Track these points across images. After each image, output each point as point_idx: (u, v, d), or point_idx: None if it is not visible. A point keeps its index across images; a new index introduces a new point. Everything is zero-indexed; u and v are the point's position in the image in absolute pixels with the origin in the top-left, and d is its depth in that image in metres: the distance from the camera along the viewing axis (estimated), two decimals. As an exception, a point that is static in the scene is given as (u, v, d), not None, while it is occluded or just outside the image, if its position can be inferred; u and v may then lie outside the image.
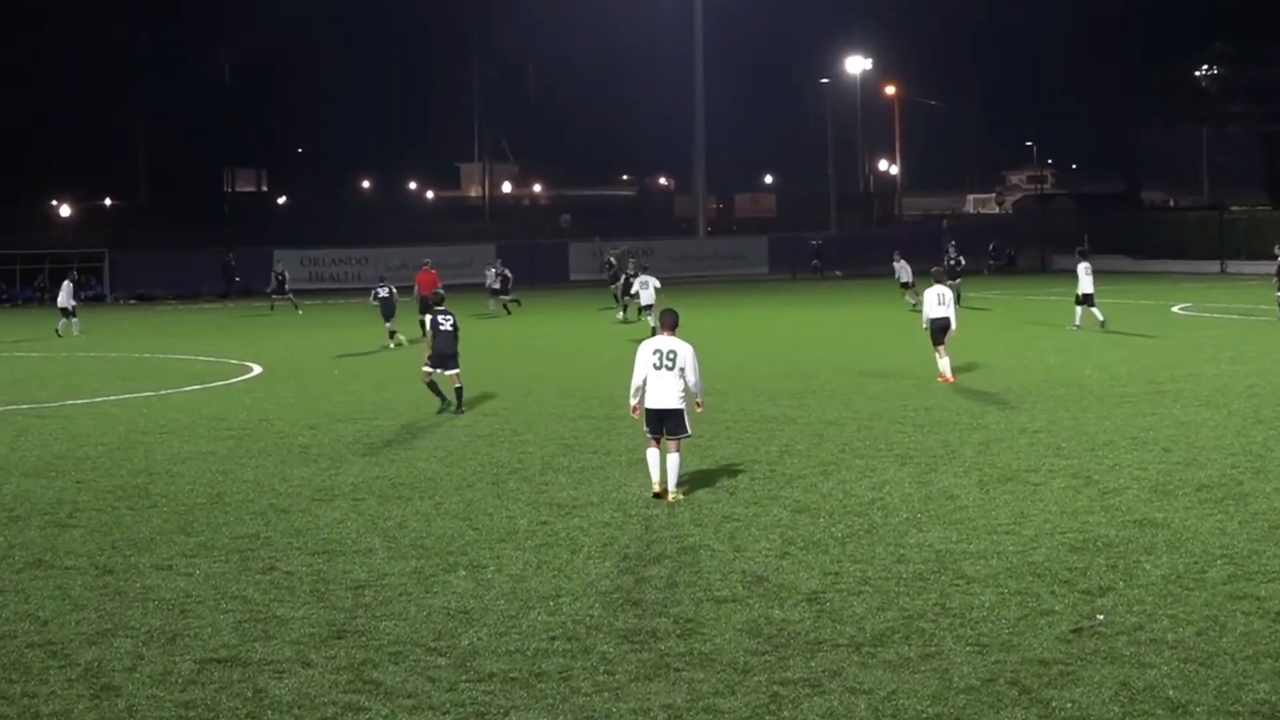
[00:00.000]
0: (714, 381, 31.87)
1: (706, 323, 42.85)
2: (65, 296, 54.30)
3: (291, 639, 12.63)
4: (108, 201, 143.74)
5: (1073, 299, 44.40)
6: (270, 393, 32.13)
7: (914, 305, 54.80)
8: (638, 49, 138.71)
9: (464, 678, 11.55)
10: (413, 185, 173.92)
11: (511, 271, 64.10)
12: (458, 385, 27.87)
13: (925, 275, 36.06)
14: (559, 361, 38.68)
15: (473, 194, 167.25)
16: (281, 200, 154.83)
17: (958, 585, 13.97)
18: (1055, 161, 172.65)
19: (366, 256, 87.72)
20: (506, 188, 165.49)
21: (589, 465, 21.17)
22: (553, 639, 12.49)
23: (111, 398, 31.84)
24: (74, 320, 53.51)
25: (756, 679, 11.40)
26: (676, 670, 11.63)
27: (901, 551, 15.35)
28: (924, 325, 31.46)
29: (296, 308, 65.87)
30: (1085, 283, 43.51)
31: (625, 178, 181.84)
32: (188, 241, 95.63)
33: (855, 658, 11.87)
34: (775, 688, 11.18)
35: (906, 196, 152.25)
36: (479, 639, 12.53)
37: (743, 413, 26.60)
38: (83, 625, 13.21)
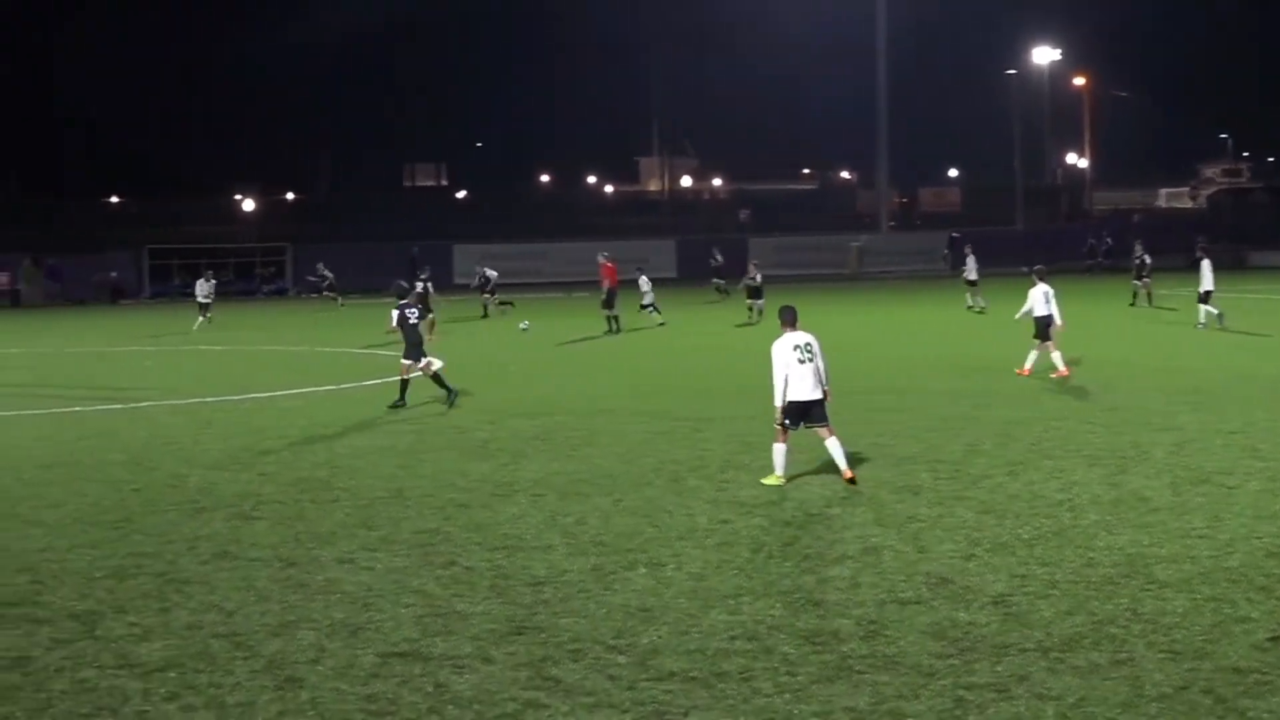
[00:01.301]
0: (893, 379, 31.60)
1: (885, 320, 42.47)
2: (202, 291, 54.84)
3: (472, 634, 12.62)
4: (289, 196, 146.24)
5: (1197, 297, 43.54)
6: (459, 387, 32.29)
7: (978, 308, 53.72)
8: (820, 40, 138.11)
9: (644, 676, 11.45)
10: (591, 180, 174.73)
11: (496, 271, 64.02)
12: (406, 378, 28.69)
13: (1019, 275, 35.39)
14: (736, 358, 38.49)
15: (652, 188, 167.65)
16: (461, 195, 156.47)
17: (1149, 590, 13.61)
18: (1251, 154, 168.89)
19: (545, 251, 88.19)
20: (686, 182, 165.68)
21: (770, 463, 20.93)
22: (733, 639, 12.35)
23: (293, 391, 32.26)
24: (206, 317, 53.96)
25: (941, 682, 11.17)
26: (859, 673, 11.43)
27: (1091, 554, 14.99)
28: (1019, 316, 32.13)
29: (339, 302, 66.99)
30: (1207, 280, 42.77)
31: (806, 171, 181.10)
32: (368, 236, 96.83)
33: (1043, 662, 11.58)
34: (960, 692, 10.95)
35: (1096, 191, 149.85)
36: (659, 637, 12.42)
37: (926, 412, 26.25)
38: (267, 617, 13.31)
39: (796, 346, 19.12)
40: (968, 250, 59.18)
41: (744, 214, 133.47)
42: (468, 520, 17.46)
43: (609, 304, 48.55)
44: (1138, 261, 55.55)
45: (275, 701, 11.03)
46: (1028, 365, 31.51)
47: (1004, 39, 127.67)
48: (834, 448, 19.12)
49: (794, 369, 19.01)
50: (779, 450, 19.18)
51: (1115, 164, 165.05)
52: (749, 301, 51.75)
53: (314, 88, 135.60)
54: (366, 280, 77.99)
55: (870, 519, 17.02)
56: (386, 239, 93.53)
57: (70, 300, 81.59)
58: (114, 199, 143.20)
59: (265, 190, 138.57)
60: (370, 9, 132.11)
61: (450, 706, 10.86)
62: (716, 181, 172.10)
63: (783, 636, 12.38)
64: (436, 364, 28.76)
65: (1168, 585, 13.74)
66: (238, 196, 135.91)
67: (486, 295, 61.43)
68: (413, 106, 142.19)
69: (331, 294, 68.95)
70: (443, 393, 28.42)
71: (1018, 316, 32.64)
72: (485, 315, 58.75)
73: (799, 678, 11.33)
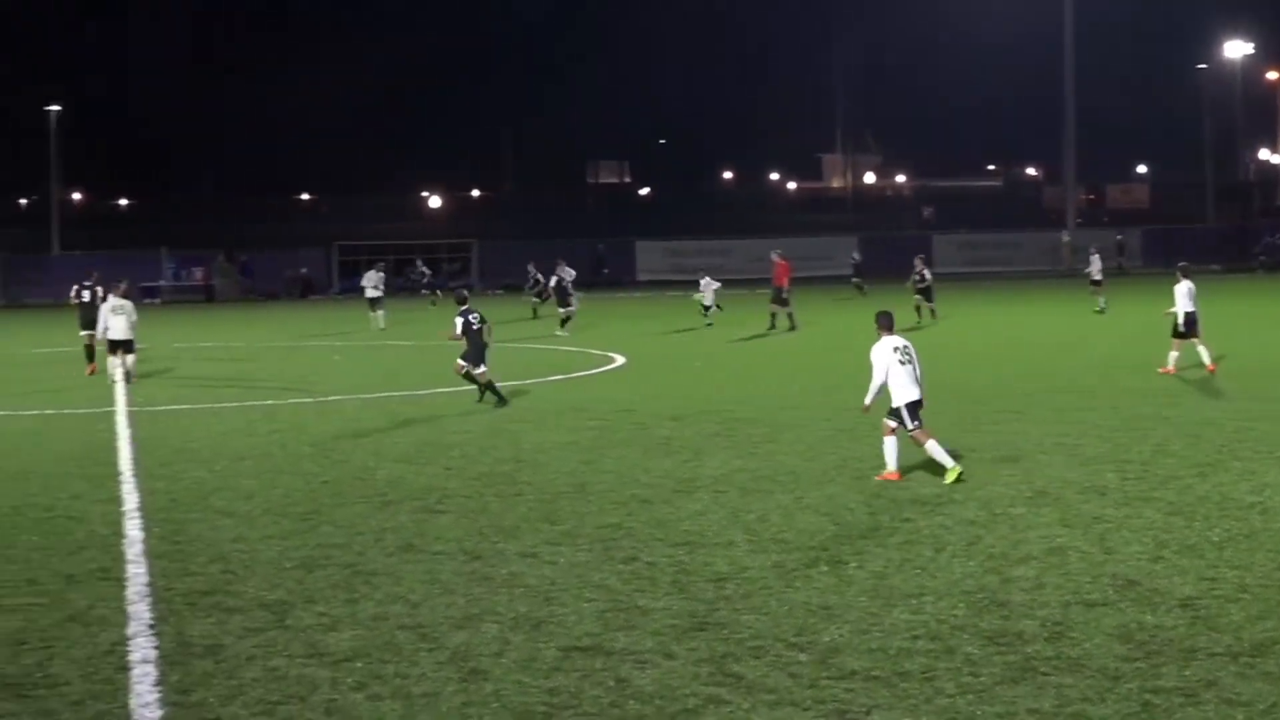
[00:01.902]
0: (1080, 377, 31.19)
1: (1074, 318, 41.92)
2: (372, 286, 54.70)
3: (653, 630, 12.67)
4: (475, 193, 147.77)
5: None
6: (633, 384, 32.50)
7: (1101, 309, 52.48)
8: (1006, 35, 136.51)
9: (825, 674, 11.42)
10: (774, 176, 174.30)
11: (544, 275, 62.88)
12: (487, 380, 28.95)
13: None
14: (928, 357, 38.17)
15: (834, 185, 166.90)
16: (643, 192, 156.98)
17: (1344, 595, 13.30)
18: None
19: (728, 247, 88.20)
20: (869, 178, 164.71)
21: (939, 467, 20.77)
22: (915, 638, 12.27)
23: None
24: (380, 314, 53.79)
25: (1127, 686, 11.00)
26: (1044, 674, 11.31)
27: (1283, 558, 14.68)
28: (1167, 314, 32.16)
29: (433, 302, 66.61)
30: None
31: (991, 168, 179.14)
32: (552, 232, 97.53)
33: (1232, 668, 11.36)
34: (1147, 696, 10.78)
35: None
36: (840, 636, 12.38)
37: (1113, 410, 25.86)
38: (451, 609, 13.47)
39: (896, 349, 19.69)
40: (1093, 250, 58.06)
41: (927, 211, 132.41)
42: (650, 516, 17.53)
43: (779, 300, 48.40)
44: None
45: (459, 693, 11.16)
46: (1208, 362, 31.09)
47: (1194, 33, 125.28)
48: (937, 447, 19.46)
49: (895, 369, 19.56)
50: (889, 444, 19.60)
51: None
52: (917, 300, 50.71)
53: (498, 86, 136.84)
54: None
55: (1056, 519, 16.81)
56: (569, 236, 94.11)
57: (262, 295, 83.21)
58: (305, 197, 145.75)
59: (451, 188, 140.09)
60: (557, 9, 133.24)
61: (631, 701, 10.91)
62: (900, 178, 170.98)
63: (966, 636, 12.28)
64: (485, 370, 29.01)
65: (1363, 591, 13.43)
66: (424, 194, 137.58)
67: (535, 299, 60.64)
68: (596, 104, 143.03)
69: (429, 293, 68.22)
70: (494, 398, 28.71)
71: (1167, 312, 32.39)
72: (535, 316, 58.05)
73: (982, 678, 11.24)
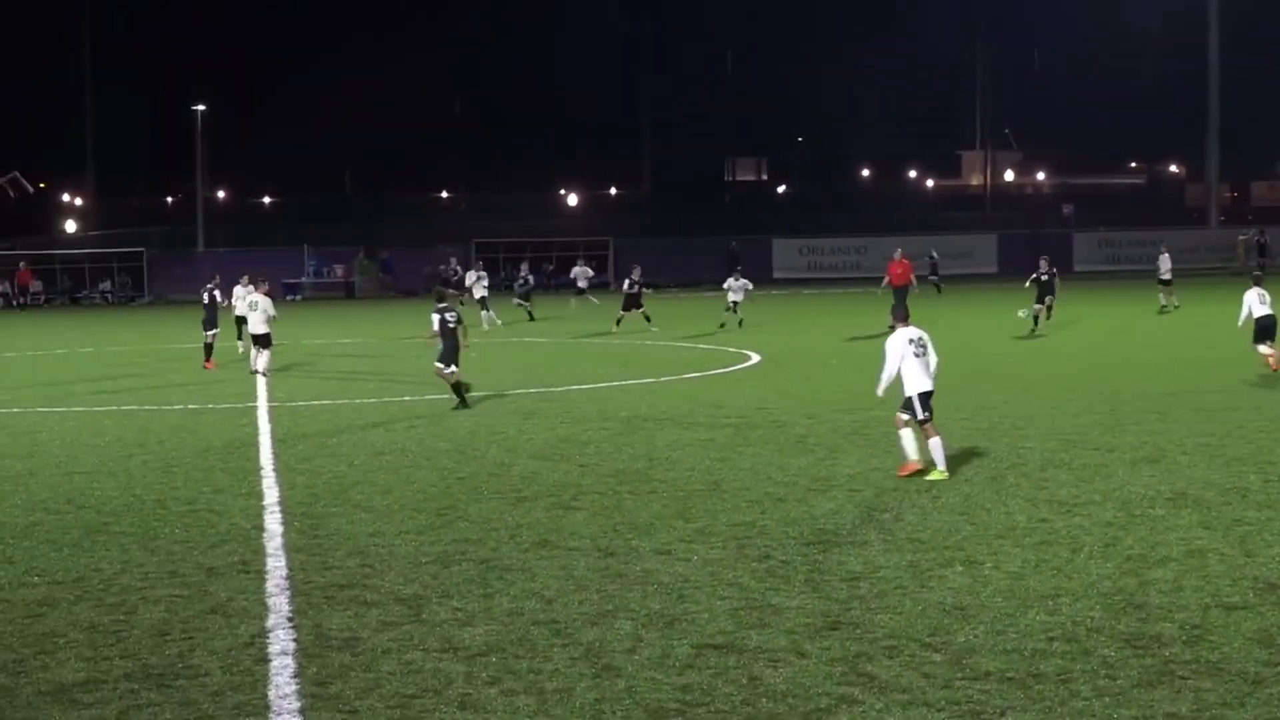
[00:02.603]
0: (1225, 380, 30.69)
1: (1220, 317, 41.17)
2: (479, 287, 54.03)
3: (786, 628, 12.66)
4: (613, 190, 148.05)
5: None
6: (768, 381, 32.46)
7: (1171, 307, 51.33)
8: (1149, 27, 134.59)
9: (959, 675, 11.36)
10: (912, 173, 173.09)
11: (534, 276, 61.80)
12: (455, 381, 28.51)
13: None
14: (1060, 356, 37.83)
15: (974, 182, 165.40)
16: (781, 189, 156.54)
17: None
18: None
19: (865, 245, 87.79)
20: (1009, 175, 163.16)
21: (1091, 462, 20.59)
22: (1051, 640, 12.17)
23: (613, 384, 32.71)
24: (489, 313, 52.67)
25: (1268, 690, 10.85)
26: (1181, 678, 11.17)
27: None
28: (1240, 324, 31.74)
29: (530, 316, 61.93)
30: None
31: (1133, 165, 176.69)
32: (688, 230, 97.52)
33: (1378, 674, 11.17)
34: (1288, 702, 10.63)
35: None
36: (975, 636, 12.31)
37: (1257, 411, 25.46)
38: (585, 605, 13.54)
39: (911, 340, 20.03)
40: (1163, 249, 56.88)
41: (1067, 208, 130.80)
42: (783, 514, 17.51)
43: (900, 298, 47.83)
44: None
45: (592, 689, 11.22)
46: (1273, 362, 30.69)
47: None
48: (938, 444, 19.75)
49: (909, 360, 19.88)
50: (907, 436, 19.92)
51: None
52: (1035, 306, 47.46)
53: (636, 82, 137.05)
54: (685, 275, 78.68)
55: (1195, 521, 16.59)
56: (707, 233, 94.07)
57: (401, 291, 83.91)
58: (444, 194, 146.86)
59: (589, 185, 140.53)
60: (695, 6, 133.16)
61: (764, 699, 10.92)
62: (1040, 175, 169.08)
63: (1102, 639, 12.16)
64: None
65: None
66: (562, 191, 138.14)
67: (523, 300, 58.75)
68: (734, 101, 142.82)
69: (523, 303, 60.24)
70: (458, 400, 28.44)
71: (1240, 324, 31.94)
72: (531, 319, 56.07)
73: (1118, 681, 11.12)
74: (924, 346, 20.10)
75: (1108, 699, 10.75)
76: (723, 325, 49.26)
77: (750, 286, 51.78)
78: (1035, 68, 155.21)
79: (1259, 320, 31.23)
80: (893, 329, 20.49)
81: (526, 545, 16.11)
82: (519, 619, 13.14)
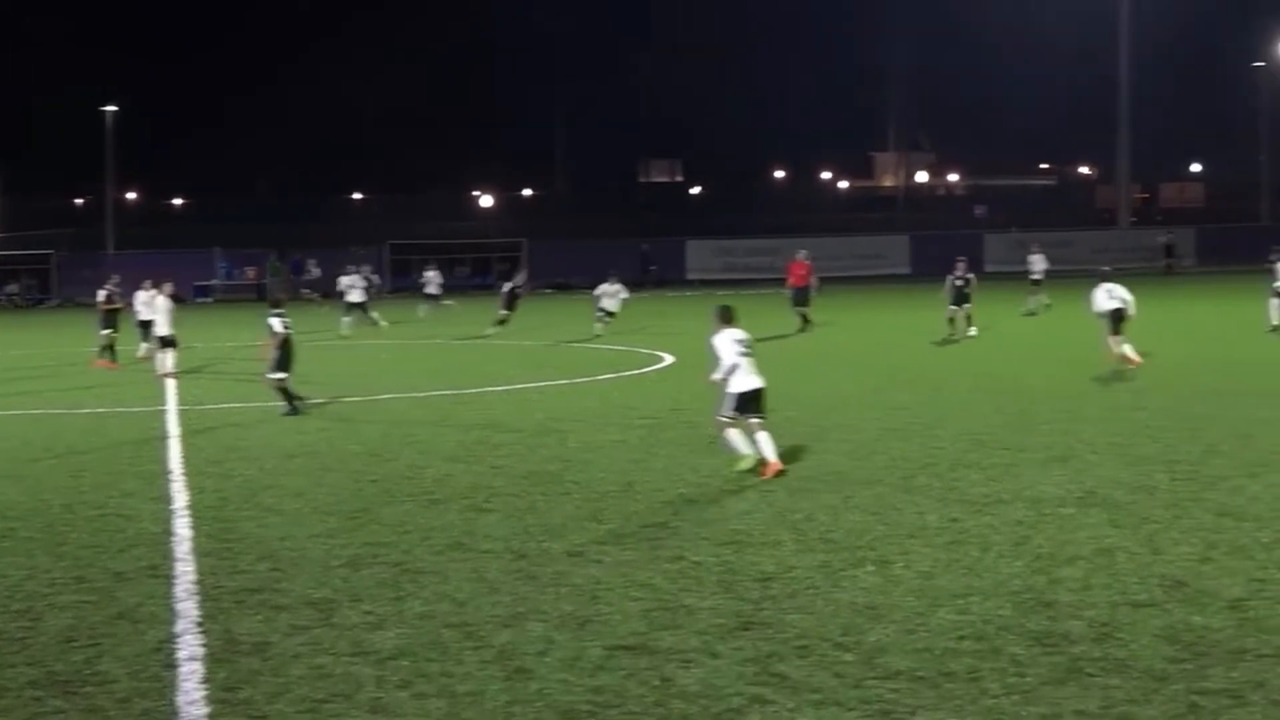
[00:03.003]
0: (1135, 378, 30.99)
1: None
2: (354, 292, 52.66)
3: (698, 629, 12.67)
4: (527, 192, 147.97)
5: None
6: (681, 383, 32.48)
7: (1039, 309, 51.48)
8: (1060, 31, 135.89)
9: (870, 674, 11.40)
10: (825, 175, 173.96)
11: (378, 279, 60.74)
12: (282, 387, 28.11)
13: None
14: (971, 356, 38.10)
15: (887, 183, 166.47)
16: (695, 190, 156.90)
17: (1396, 597, 13.19)
18: None
19: (779, 247, 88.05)
20: (921, 177, 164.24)
21: (1001, 462, 20.74)
22: (961, 638, 12.23)
23: (527, 385, 32.66)
24: (351, 319, 51.67)
25: (1174, 687, 10.95)
26: (1090, 675, 11.26)
27: (1334, 560, 14.57)
28: (1096, 315, 33.28)
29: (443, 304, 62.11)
30: None
31: (1045, 166, 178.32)
32: (602, 231, 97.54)
33: (1281, 670, 11.30)
34: (1194, 697, 10.72)
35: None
36: (886, 636, 12.36)
37: (1165, 410, 25.74)
38: (497, 608, 13.50)
39: (738, 340, 20.36)
40: (1035, 248, 57.04)
41: (979, 210, 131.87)
42: (696, 515, 17.53)
43: (802, 301, 47.73)
44: None
45: (504, 691, 11.19)
46: (1133, 355, 31.98)
47: (1250, 30, 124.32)
48: (767, 438, 20.05)
49: (741, 361, 20.22)
50: (733, 436, 20.23)
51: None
52: (950, 311, 46.53)
53: (551, 83, 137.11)
54: (599, 276, 78.45)
55: (1104, 519, 16.73)
56: (620, 234, 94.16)
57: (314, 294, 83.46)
58: (357, 196, 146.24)
59: (503, 186, 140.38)
60: (605, 3, 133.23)
61: (676, 701, 10.92)
62: (952, 177, 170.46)
63: (1011, 637, 12.24)
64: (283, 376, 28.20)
65: None
66: (476, 193, 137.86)
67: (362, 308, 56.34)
68: (648, 102, 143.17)
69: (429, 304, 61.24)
70: (285, 405, 27.96)
71: (1096, 316, 33.44)
72: (375, 324, 53.10)
73: (1028, 679, 11.20)
74: (750, 347, 20.53)
75: (1017, 696, 10.82)
76: (598, 336, 46.83)
77: (627, 295, 49.45)
78: (948, 71, 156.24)
79: (1110, 313, 32.70)
80: (808, 322, 20.75)
81: (439, 548, 16.04)
82: (431, 622, 13.08)
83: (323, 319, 55.70)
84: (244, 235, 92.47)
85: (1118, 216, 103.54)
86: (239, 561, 15.57)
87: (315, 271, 73.40)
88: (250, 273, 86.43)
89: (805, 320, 47.04)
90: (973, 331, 41.97)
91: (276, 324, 28.32)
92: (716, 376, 20.53)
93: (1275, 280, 41.86)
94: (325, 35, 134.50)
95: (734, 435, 20.27)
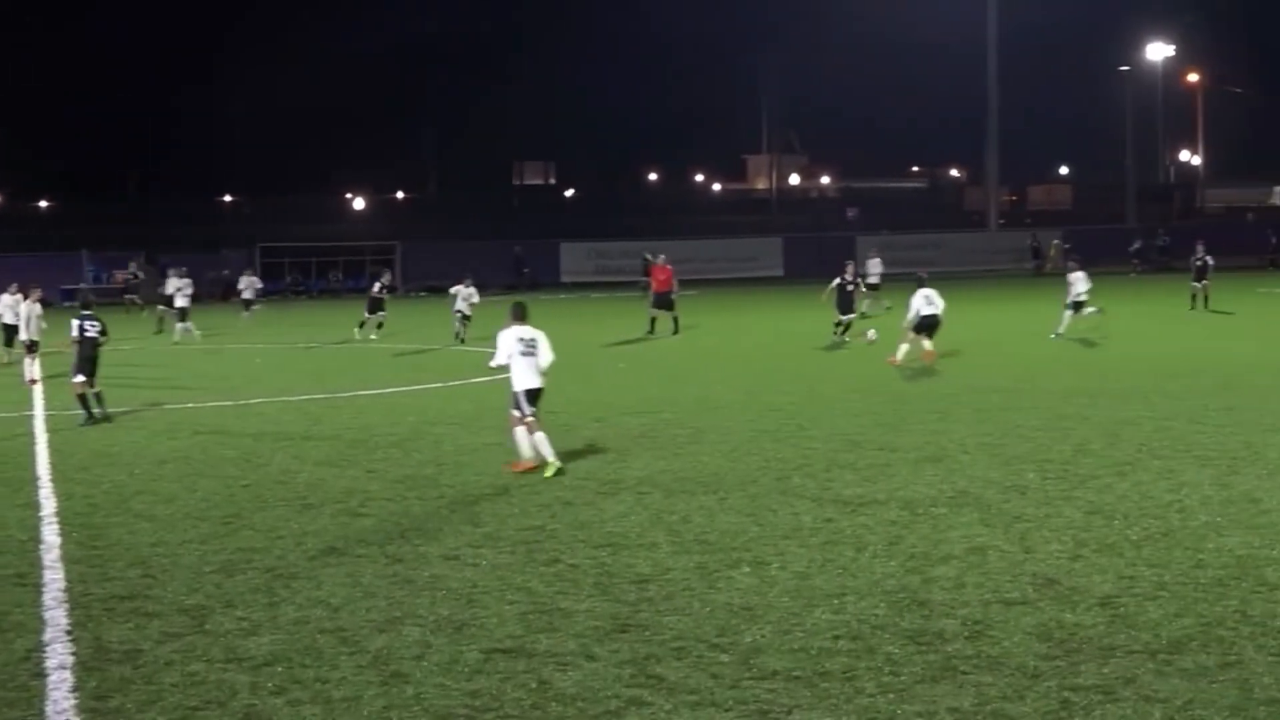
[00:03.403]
0: (1004, 379, 31.38)
1: (997, 318, 42.10)
2: (180, 296, 51.48)
3: (575, 632, 12.66)
4: (400, 194, 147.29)
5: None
6: (556, 385, 32.29)
7: (876, 312, 52.14)
8: (930, 35, 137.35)
9: (747, 675, 11.44)
10: (699, 177, 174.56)
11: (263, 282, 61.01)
12: (96, 391, 27.63)
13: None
14: (844, 357, 38.36)
15: (759, 186, 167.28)
16: (569, 193, 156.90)
17: (1259, 592, 13.43)
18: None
19: (652, 249, 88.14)
20: (794, 180, 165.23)
21: (875, 462, 20.90)
22: (837, 638, 12.31)
23: (401, 389, 32.49)
24: (186, 325, 50.53)
25: (1047, 684, 11.08)
26: (964, 673, 11.37)
27: (1200, 556, 14.81)
28: (906, 323, 35.07)
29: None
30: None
31: (915, 169, 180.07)
32: (476, 234, 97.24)
33: (1150, 665, 11.46)
34: (1066, 694, 10.86)
35: (1209, 189, 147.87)
36: (762, 636, 12.41)
37: (1035, 410, 26.05)
38: (373, 612, 13.42)
39: (520, 339, 20.86)
40: (873, 253, 57.34)
41: (851, 212, 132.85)
42: (573, 518, 17.52)
43: (664, 304, 47.25)
44: (1199, 264, 52.17)
45: (380, 696, 11.12)
46: (899, 357, 34.26)
47: (1117, 35, 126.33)
48: (544, 438, 20.57)
49: (517, 358, 20.76)
50: (520, 434, 20.76)
51: (1231, 161, 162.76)
52: (839, 320, 45.69)
53: (424, 85, 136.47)
54: (475, 278, 78.15)
55: (976, 519, 16.91)
56: (494, 237, 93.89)
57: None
58: (228, 198, 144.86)
59: (376, 189, 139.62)
60: (478, 7, 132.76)
61: (554, 703, 10.90)
62: (824, 179, 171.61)
63: (886, 636, 12.33)
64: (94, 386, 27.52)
65: (1278, 588, 13.57)
66: (348, 195, 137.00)
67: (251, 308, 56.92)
68: (521, 105, 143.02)
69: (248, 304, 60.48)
70: (83, 413, 27.33)
71: (905, 324, 35.25)
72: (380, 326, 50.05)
73: (902, 678, 11.29)
74: (534, 346, 20.92)
75: (892, 695, 10.90)
76: (461, 341, 45.95)
77: (478, 299, 47.67)
78: (820, 74, 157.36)
79: (924, 318, 34.60)
80: (677, 325, 20.98)
81: (313, 553, 15.91)
82: (305, 627, 12.97)
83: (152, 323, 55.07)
84: (112, 238, 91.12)
85: (987, 218, 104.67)
86: (109, 568, 15.35)
87: (139, 274, 71.89)
88: (119, 276, 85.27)
89: (674, 324, 46.91)
90: (871, 334, 41.28)
91: (74, 326, 27.66)
92: (493, 363, 21.29)
93: (1072, 290, 41.90)
94: (195, 36, 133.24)
95: (518, 431, 20.78)
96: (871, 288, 54.53)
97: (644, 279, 69.52)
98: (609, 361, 38.27)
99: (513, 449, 20.98)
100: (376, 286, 49.82)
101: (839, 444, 22.63)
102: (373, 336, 47.63)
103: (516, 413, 20.74)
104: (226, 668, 11.85)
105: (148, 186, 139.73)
